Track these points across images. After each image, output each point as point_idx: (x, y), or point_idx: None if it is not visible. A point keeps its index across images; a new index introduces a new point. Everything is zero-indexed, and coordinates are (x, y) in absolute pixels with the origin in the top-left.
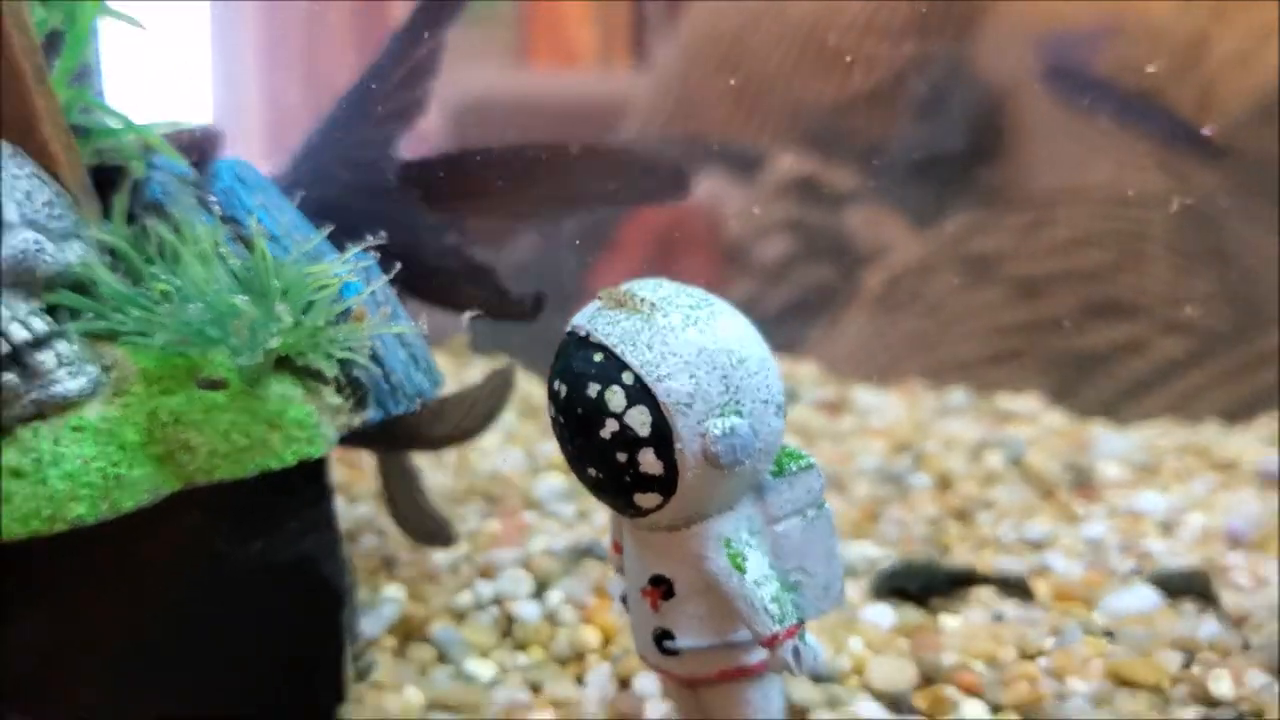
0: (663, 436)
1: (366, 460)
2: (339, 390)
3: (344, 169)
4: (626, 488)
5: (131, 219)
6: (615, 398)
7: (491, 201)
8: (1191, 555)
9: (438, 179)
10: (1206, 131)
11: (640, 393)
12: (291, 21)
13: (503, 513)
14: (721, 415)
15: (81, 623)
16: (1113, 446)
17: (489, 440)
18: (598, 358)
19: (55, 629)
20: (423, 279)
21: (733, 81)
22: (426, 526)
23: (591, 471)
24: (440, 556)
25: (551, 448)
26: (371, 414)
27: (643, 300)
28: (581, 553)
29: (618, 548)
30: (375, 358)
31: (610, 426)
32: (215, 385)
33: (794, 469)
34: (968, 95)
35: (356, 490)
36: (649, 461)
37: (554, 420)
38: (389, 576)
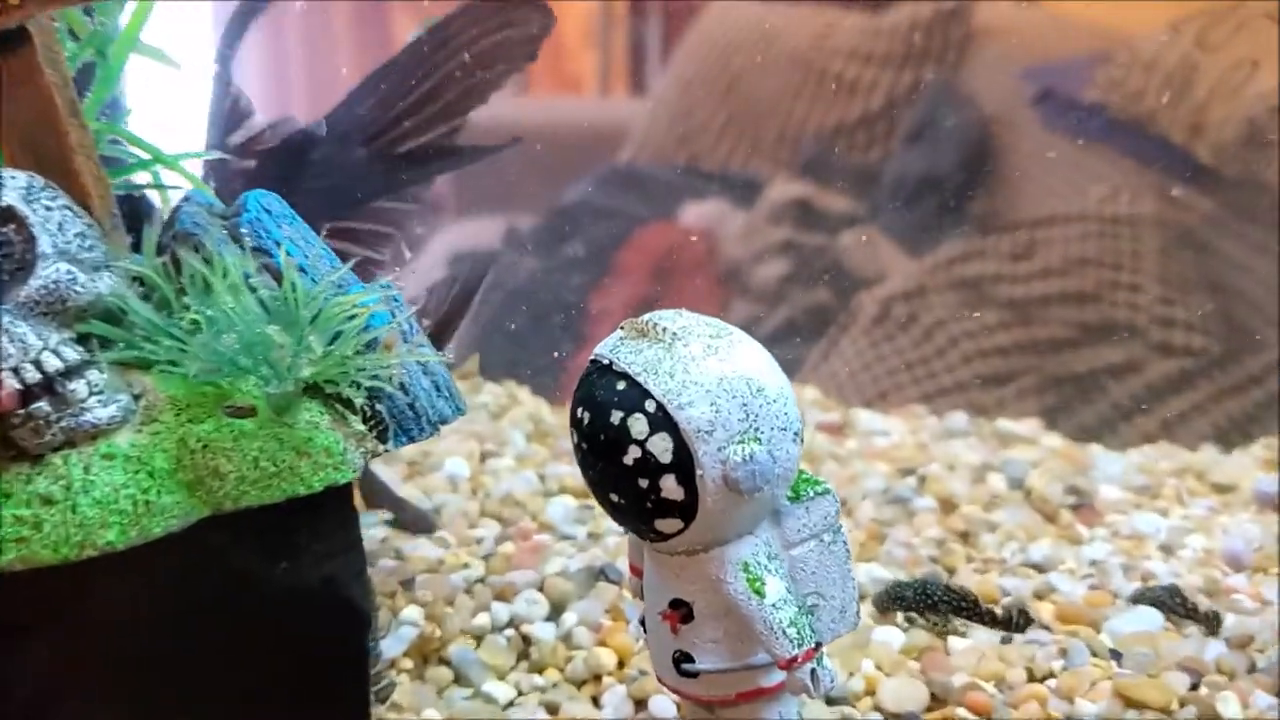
0: (684, 463)
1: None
2: (365, 418)
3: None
4: (648, 513)
5: (160, 250)
6: (638, 425)
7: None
8: (1192, 576)
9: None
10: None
11: (662, 420)
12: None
13: (517, 535)
14: (741, 442)
15: (109, 645)
16: (1112, 469)
17: (502, 462)
18: (620, 386)
19: (82, 651)
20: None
21: (730, 106)
22: (408, 517)
23: (614, 497)
24: (456, 579)
25: (564, 470)
26: (395, 441)
27: (664, 330)
28: (595, 575)
29: (636, 571)
30: (401, 385)
31: (633, 453)
32: (243, 413)
33: (810, 494)
34: (959, 121)
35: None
36: (670, 487)
37: (576, 446)
38: (407, 598)
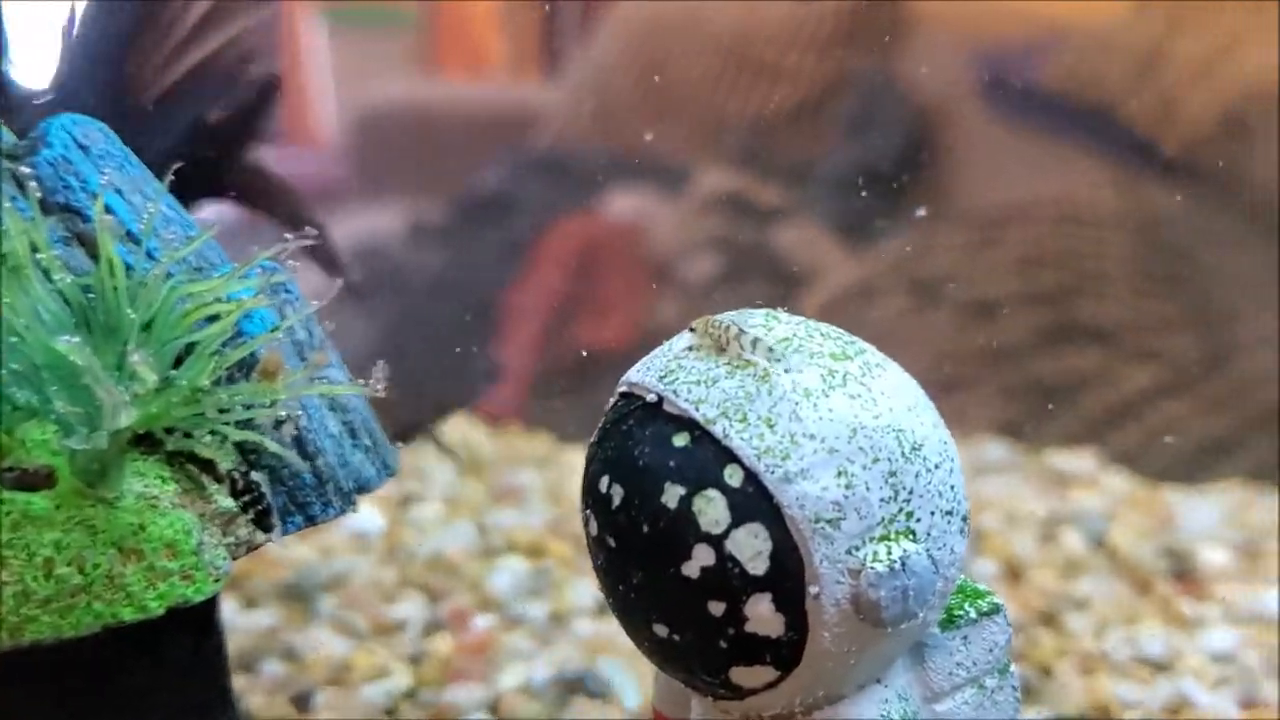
0: (789, 574)
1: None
2: (236, 489)
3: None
4: (721, 656)
5: None
6: (712, 509)
7: None
8: None
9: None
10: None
11: (754, 501)
12: None
13: (451, 618)
14: (885, 538)
15: None
16: (1200, 521)
17: (426, 510)
18: (680, 441)
19: None
20: None
21: (654, 91)
22: None
23: (661, 630)
24: (373, 693)
25: (509, 519)
26: (287, 524)
27: (755, 344)
28: (569, 686)
29: None
30: (294, 433)
31: (701, 557)
32: (32, 482)
33: (971, 615)
34: (899, 110)
35: (255, 585)
36: (762, 615)
37: (595, 541)
38: None
